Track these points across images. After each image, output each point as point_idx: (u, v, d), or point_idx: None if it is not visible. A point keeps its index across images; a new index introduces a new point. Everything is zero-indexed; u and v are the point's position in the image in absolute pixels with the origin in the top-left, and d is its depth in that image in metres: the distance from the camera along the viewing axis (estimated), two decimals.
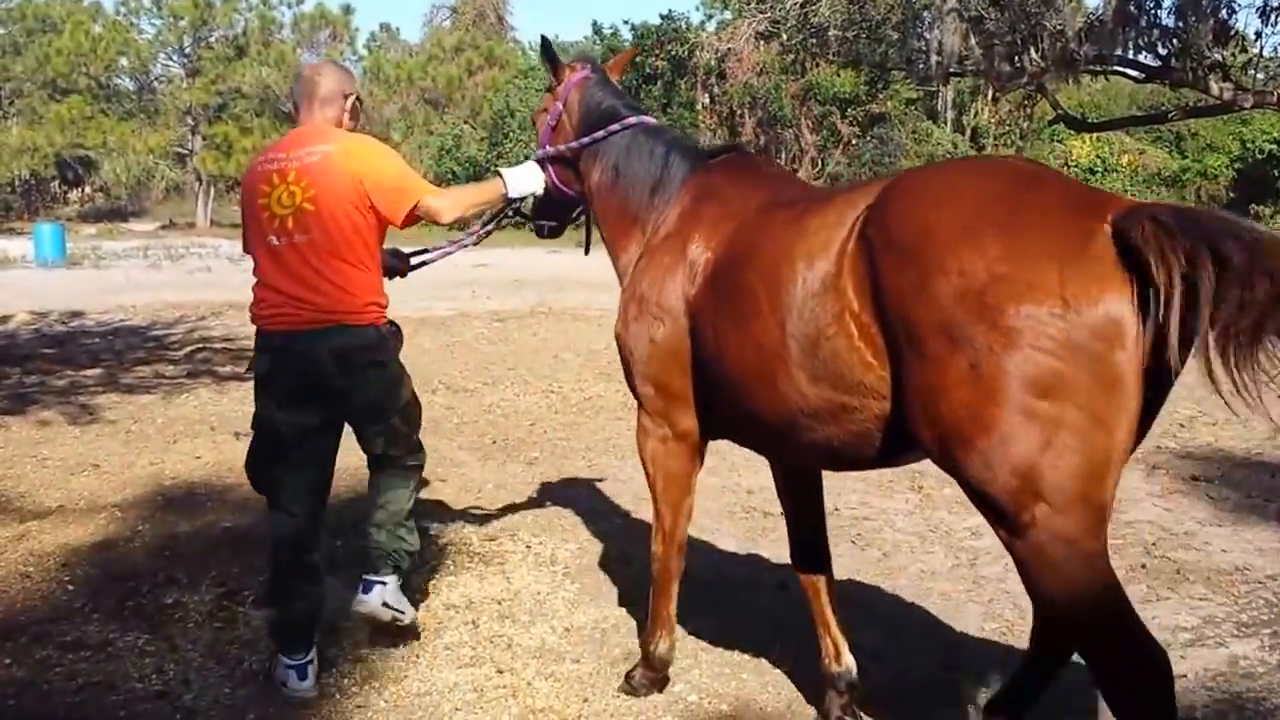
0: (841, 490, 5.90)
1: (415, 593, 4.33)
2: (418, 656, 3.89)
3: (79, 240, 28.29)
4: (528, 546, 5.02)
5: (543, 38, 4.05)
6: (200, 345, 10.82)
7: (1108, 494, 2.35)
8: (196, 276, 19.71)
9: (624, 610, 4.32)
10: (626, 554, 4.91)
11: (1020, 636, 3.90)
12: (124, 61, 40.58)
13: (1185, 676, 3.64)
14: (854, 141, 34.14)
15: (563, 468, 6.49)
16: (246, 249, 3.78)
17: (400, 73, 38.25)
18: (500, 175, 3.95)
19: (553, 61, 4.01)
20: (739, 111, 35.32)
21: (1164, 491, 5.97)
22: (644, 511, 5.51)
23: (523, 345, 11.25)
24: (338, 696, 3.64)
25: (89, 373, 9.35)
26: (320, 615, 3.84)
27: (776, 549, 5.04)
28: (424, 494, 5.61)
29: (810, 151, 34.60)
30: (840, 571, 4.63)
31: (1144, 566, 4.80)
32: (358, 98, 3.93)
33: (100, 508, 5.42)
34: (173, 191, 45.15)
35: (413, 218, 3.71)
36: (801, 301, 2.74)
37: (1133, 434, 2.35)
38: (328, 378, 3.63)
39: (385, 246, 3.87)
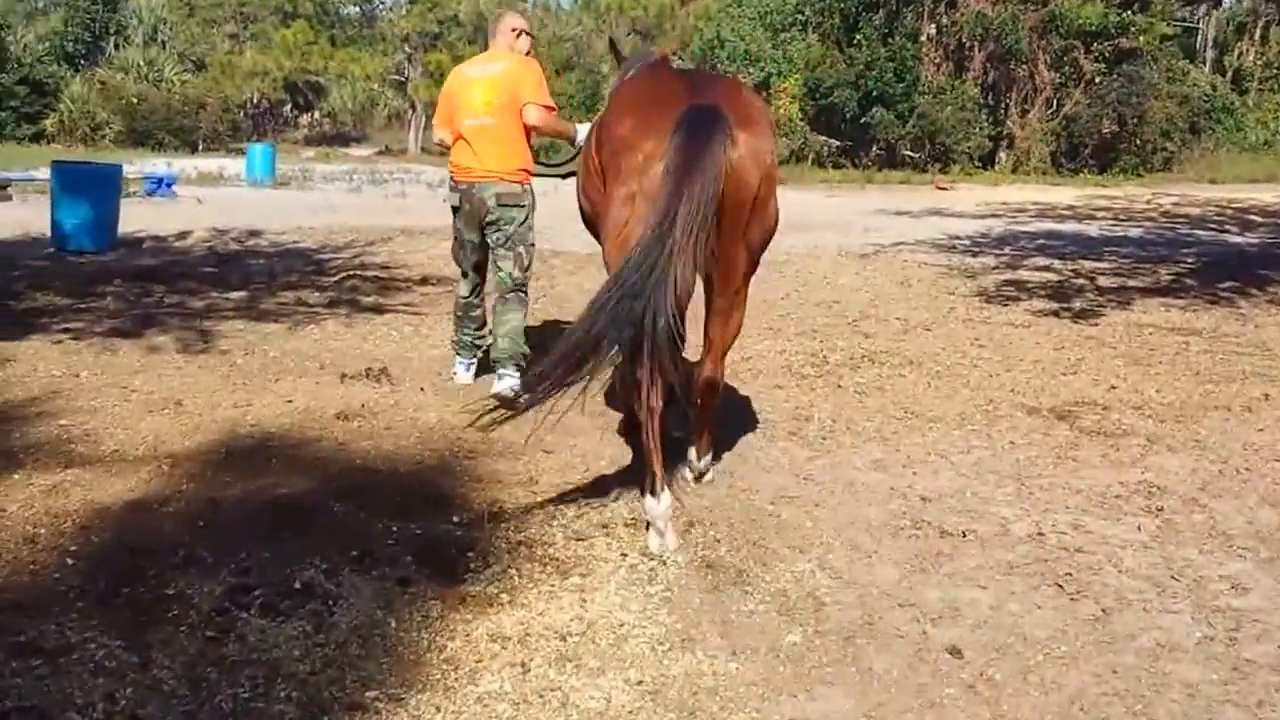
0: (1050, 505, 4.62)
1: (457, 609, 3.38)
2: (437, 709, 2.91)
3: (294, 162, 28.72)
4: (623, 555, 3.98)
5: (610, 38, 5.39)
6: (353, 272, 10.21)
7: None
8: (390, 202, 19.41)
9: (735, 664, 3.24)
10: (749, 575, 3.83)
11: None
12: None
13: None
14: (1097, 80, 31.22)
15: (674, 448, 5.38)
16: (437, 132, 6.24)
17: (611, 1, 37.36)
18: (577, 126, 6.15)
19: (617, 55, 6.34)
20: (968, 44, 32.98)
21: None
22: (798, 520, 4.40)
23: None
24: None
25: (232, 295, 8.85)
26: (479, 339, 6.29)
27: (951, 586, 3.85)
28: (512, 464, 4.67)
29: (1045, 90, 31.88)
30: (1040, 631, 3.44)
31: None
32: (525, 32, 6.22)
33: (153, 458, 4.70)
34: (394, 118, 45.92)
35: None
36: None
37: None
38: (487, 212, 5.87)
39: None
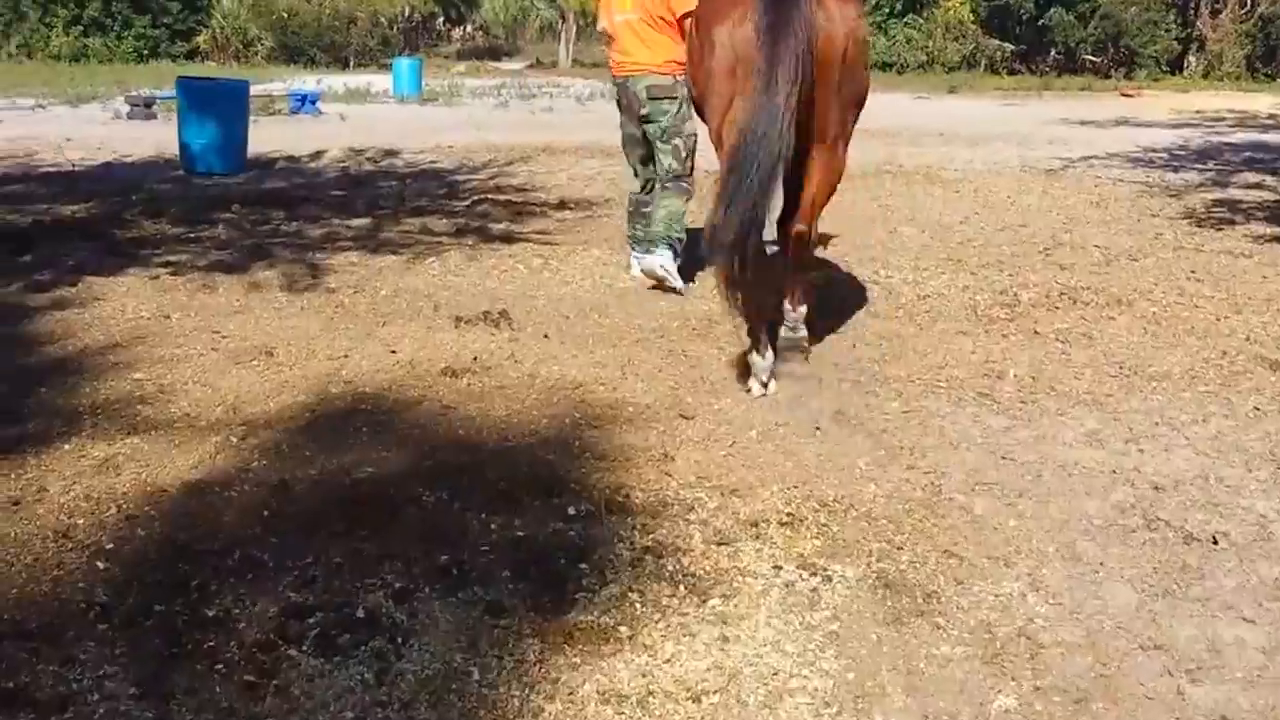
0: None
1: (561, 651, 2.59)
2: None
3: (444, 77, 28.14)
4: (776, 568, 3.13)
5: None
6: (486, 195, 9.46)
7: None
8: (537, 117, 18.66)
9: None
10: (940, 599, 2.95)
11: None
12: None
13: None
14: None
15: (869, 414, 4.47)
16: (600, 21, 6.33)
17: None
18: None
19: None
20: None
21: None
22: (999, 517, 3.49)
23: (857, 213, 8.85)
24: None
25: (353, 223, 8.18)
26: (644, 236, 6.26)
27: (1207, 617, 2.91)
28: (643, 434, 3.84)
29: None
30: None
31: None
32: None
33: (227, 424, 4.03)
34: (546, 30, 45.09)
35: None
36: None
37: None
38: (641, 105, 6.03)
39: None
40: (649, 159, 6.27)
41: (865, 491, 3.68)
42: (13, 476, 3.54)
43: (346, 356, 4.82)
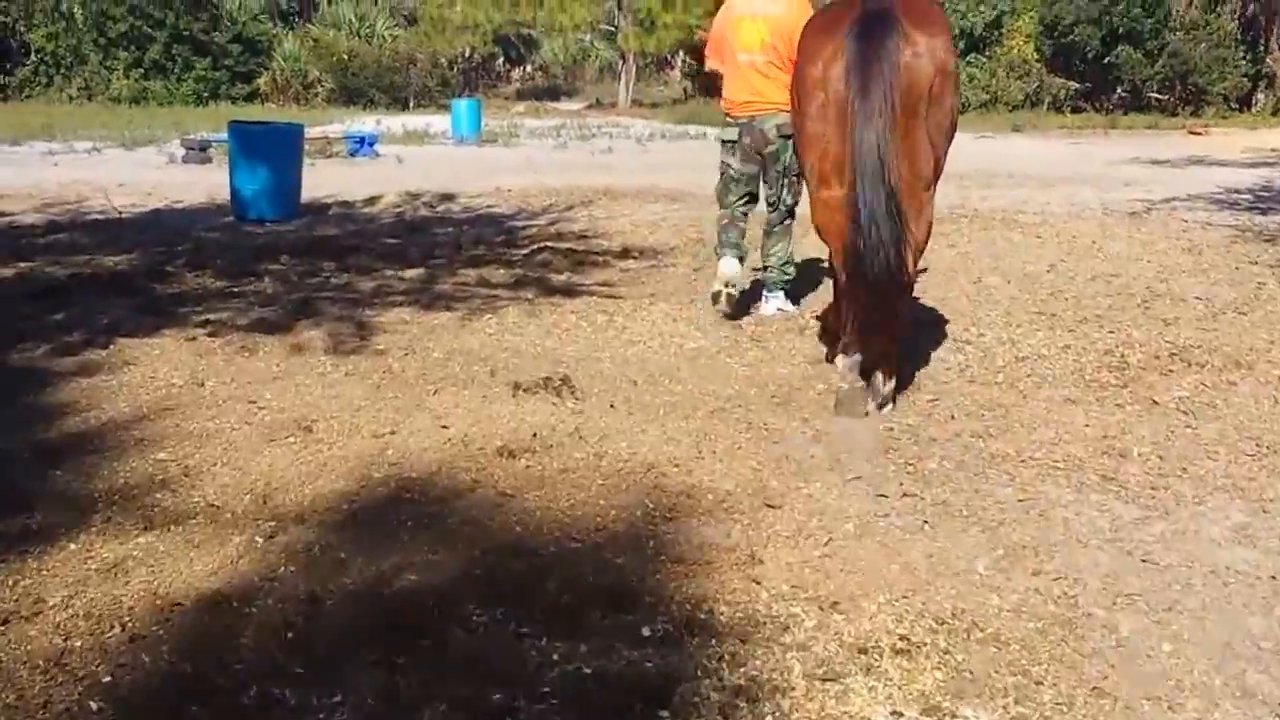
0: None
1: None
2: None
3: (503, 117, 27.91)
4: (895, 714, 2.59)
5: None
6: (545, 244, 9.00)
7: None
8: (596, 158, 18.29)
9: None
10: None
11: None
12: None
13: None
14: None
15: (981, 503, 3.93)
16: (710, 62, 6.57)
17: None
18: None
19: None
20: None
21: None
22: (1150, 640, 2.94)
23: (936, 262, 8.21)
24: None
25: (407, 274, 7.75)
26: (737, 258, 6.40)
27: None
28: (725, 528, 3.31)
29: None
30: None
31: None
32: None
33: (256, 516, 3.57)
34: (605, 70, 44.98)
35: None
36: None
37: None
38: (769, 142, 6.20)
39: None
40: (751, 198, 6.48)
41: (988, 604, 3.15)
42: (9, 585, 3.10)
43: (393, 433, 4.34)
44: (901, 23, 4.44)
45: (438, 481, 3.86)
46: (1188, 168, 17.28)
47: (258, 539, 3.37)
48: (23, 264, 7.99)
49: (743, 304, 6.62)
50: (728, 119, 6.38)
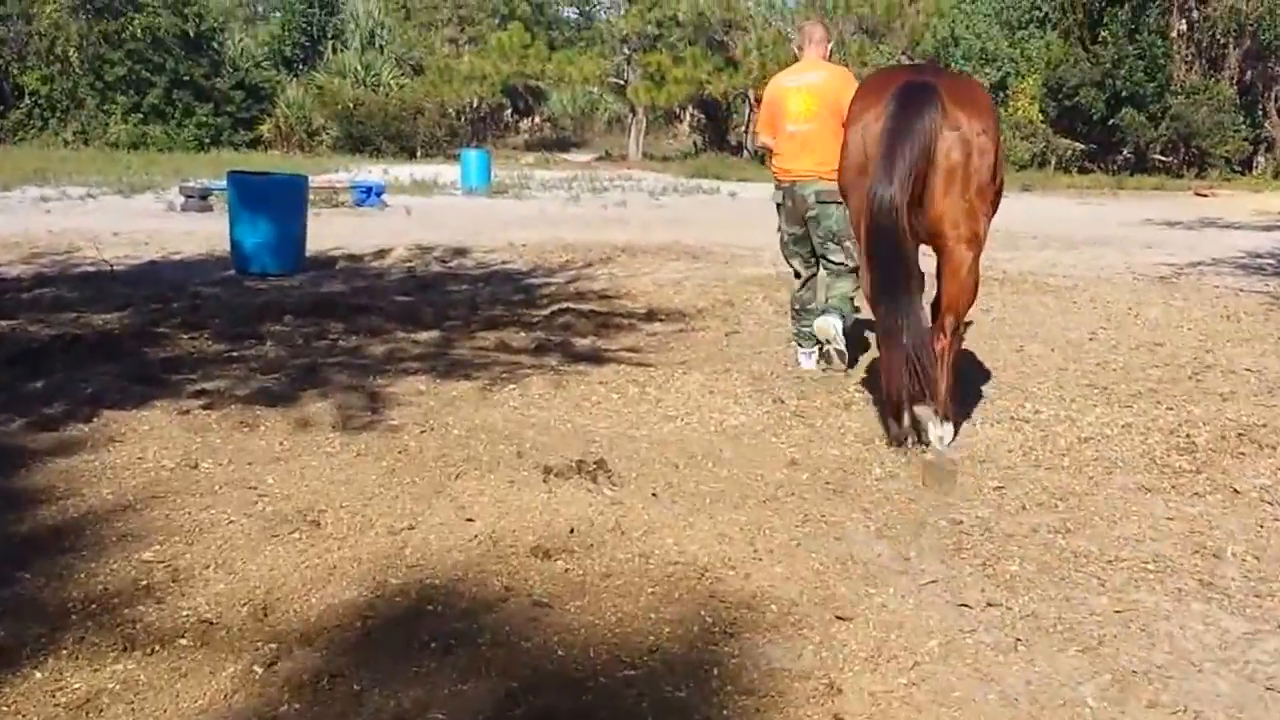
0: None
1: None
2: None
3: (513, 168, 27.54)
4: None
5: None
6: (567, 305, 8.53)
7: None
8: (610, 211, 17.95)
9: None
10: None
11: None
12: None
13: None
14: None
15: (1074, 615, 3.48)
16: (761, 137, 6.99)
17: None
18: None
19: None
20: (1221, 40, 30.32)
21: None
22: None
23: (973, 328, 7.73)
24: None
25: (421, 336, 7.28)
26: (812, 329, 6.45)
27: None
28: (793, 647, 2.83)
29: None
30: None
31: None
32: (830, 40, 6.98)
33: (253, 636, 3.07)
34: (614, 123, 44.90)
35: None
36: None
37: None
38: (808, 208, 6.44)
39: None
40: (809, 257, 6.65)
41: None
42: None
43: (411, 527, 3.85)
44: (942, 97, 4.67)
45: (464, 590, 3.37)
46: (1201, 229, 17.42)
47: (256, 667, 2.87)
48: (2, 322, 7.47)
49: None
50: (777, 184, 6.71)
